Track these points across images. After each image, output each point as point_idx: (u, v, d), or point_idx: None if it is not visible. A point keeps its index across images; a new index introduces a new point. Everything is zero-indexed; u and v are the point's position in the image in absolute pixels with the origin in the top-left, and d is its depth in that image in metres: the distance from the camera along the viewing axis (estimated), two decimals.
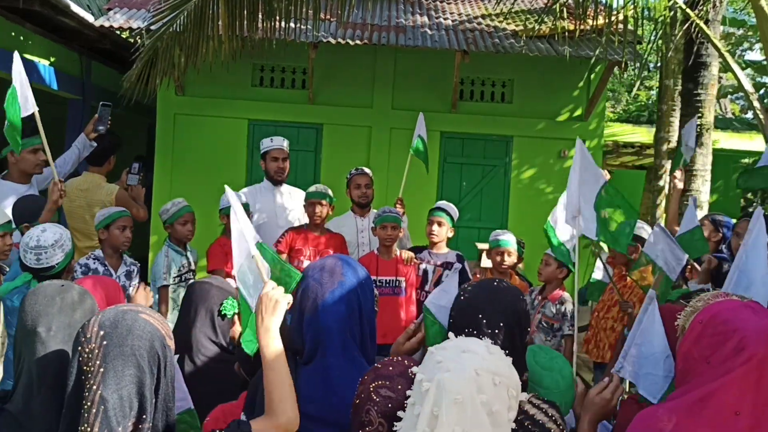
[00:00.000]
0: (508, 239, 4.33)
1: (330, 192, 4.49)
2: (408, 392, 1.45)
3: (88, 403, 1.37)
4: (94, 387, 1.38)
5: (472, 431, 1.31)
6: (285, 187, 4.92)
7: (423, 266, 4.41)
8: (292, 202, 4.93)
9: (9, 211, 3.43)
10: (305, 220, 4.63)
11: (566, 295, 4.16)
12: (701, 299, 1.70)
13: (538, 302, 4.21)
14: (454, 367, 1.35)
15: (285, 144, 4.85)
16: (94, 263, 3.74)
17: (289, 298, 1.75)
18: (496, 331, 1.71)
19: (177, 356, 2.15)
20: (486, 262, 4.56)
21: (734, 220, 4.67)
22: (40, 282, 2.66)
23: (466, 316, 1.77)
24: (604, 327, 4.45)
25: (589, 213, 3.35)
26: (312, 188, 4.52)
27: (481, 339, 1.59)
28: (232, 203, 1.86)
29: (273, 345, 1.67)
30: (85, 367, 1.41)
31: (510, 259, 4.31)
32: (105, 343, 1.41)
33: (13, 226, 3.13)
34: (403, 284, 4.22)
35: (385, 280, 4.21)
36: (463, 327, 1.74)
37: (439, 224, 4.42)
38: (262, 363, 1.67)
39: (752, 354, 1.48)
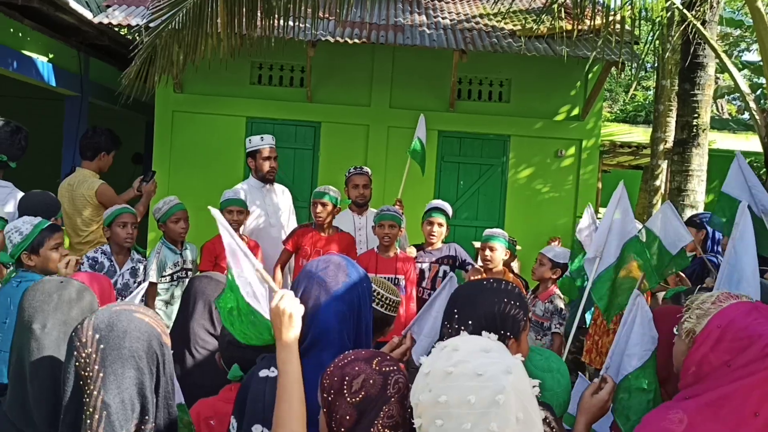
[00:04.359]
0: (494, 234, 4.33)
1: (334, 192, 4.44)
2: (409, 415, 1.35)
3: (90, 410, 1.34)
4: (95, 392, 1.34)
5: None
6: (277, 186, 4.93)
7: (419, 265, 4.44)
8: (285, 201, 4.94)
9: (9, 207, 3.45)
10: (293, 218, 4.66)
11: (557, 293, 4.18)
12: (707, 301, 1.69)
13: (529, 301, 4.23)
14: (506, 368, 1.25)
15: (274, 142, 4.88)
16: (102, 256, 3.80)
17: (302, 307, 1.66)
18: (462, 328, 1.70)
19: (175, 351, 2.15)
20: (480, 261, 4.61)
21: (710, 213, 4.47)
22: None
23: (447, 309, 1.79)
24: (605, 331, 4.38)
25: (608, 260, 3.15)
26: (318, 189, 4.53)
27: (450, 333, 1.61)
28: (220, 225, 1.74)
29: (292, 362, 1.57)
30: (83, 372, 1.37)
31: (495, 256, 4.26)
32: (102, 346, 1.37)
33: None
34: (403, 282, 4.23)
35: (385, 278, 4.22)
36: (443, 320, 1.78)
37: (439, 225, 4.48)
38: (279, 377, 1.58)
39: None
